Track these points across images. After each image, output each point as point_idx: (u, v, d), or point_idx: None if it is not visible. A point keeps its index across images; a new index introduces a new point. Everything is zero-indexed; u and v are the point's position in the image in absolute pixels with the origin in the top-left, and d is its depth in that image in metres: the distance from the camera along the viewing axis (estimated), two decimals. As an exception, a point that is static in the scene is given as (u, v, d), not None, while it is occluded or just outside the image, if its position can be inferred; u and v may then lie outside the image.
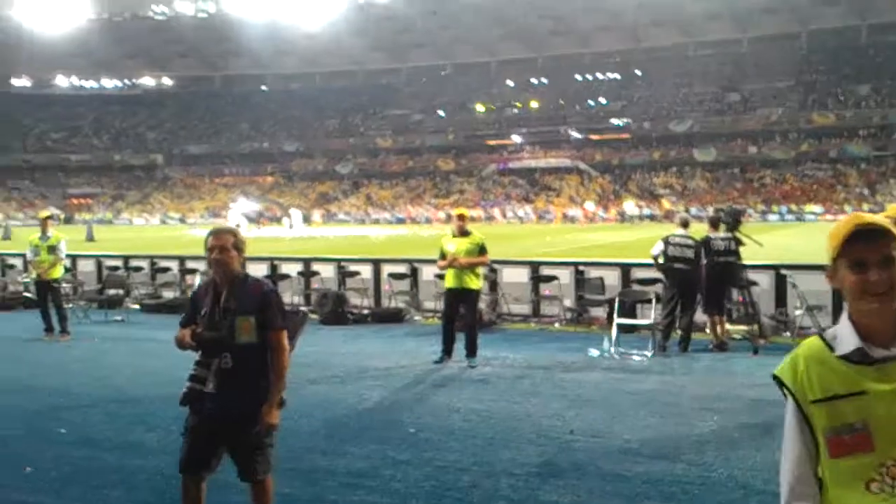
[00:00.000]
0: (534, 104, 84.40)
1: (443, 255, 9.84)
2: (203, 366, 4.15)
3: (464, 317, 9.87)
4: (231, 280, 4.16)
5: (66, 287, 14.12)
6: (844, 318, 2.03)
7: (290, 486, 5.53)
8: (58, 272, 12.37)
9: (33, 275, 12.62)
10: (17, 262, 18.32)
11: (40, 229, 12.46)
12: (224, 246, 4.12)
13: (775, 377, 2.09)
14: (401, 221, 68.42)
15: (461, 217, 10.14)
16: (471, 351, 9.73)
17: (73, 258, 16.80)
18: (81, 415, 7.52)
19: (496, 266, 13.56)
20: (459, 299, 9.81)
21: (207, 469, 4.27)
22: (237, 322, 4.09)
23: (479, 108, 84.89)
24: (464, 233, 9.84)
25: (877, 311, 1.98)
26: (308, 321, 4.53)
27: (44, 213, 13.31)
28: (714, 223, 11.20)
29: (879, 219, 1.99)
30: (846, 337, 2.01)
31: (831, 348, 2.02)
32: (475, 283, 9.86)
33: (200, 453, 4.22)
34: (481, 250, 9.79)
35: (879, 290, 1.95)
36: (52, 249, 12.20)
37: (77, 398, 8.04)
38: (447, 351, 9.82)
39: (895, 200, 58.16)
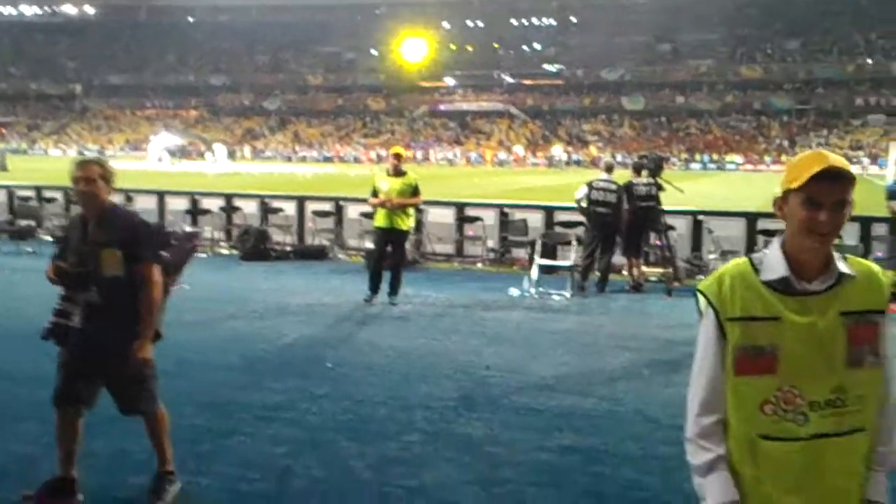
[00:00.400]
0: (468, 48, 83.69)
1: (375, 193, 9.67)
2: (69, 300, 4.02)
3: (391, 256, 9.78)
4: (99, 212, 4.00)
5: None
6: (776, 245, 2.06)
7: (204, 418, 5.48)
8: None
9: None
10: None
11: None
12: (90, 177, 3.95)
13: (699, 291, 2.11)
14: (329, 160, 67.56)
15: (397, 156, 9.85)
16: (393, 289, 9.69)
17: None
18: (-11, 347, 7.28)
19: (422, 206, 13.51)
20: (389, 239, 9.67)
21: (81, 403, 4.16)
22: (102, 255, 3.95)
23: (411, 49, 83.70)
24: (398, 172, 9.64)
25: (815, 249, 2.01)
26: (196, 250, 4.43)
27: None
28: (637, 169, 11.38)
29: (844, 162, 2.00)
30: (774, 264, 2.04)
31: (757, 272, 2.06)
32: (406, 223, 9.74)
33: (73, 387, 4.12)
34: (415, 191, 9.63)
35: (825, 231, 1.98)
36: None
37: (-16, 330, 7.77)
38: (374, 289, 9.69)
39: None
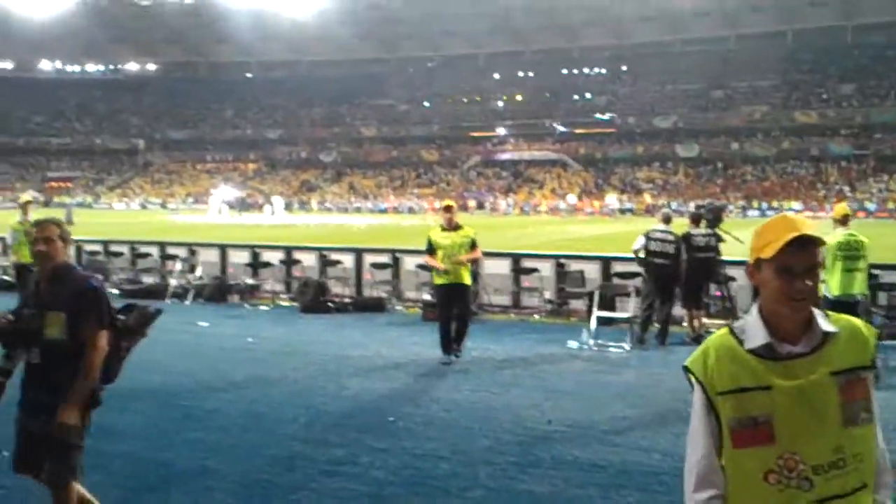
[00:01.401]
0: (519, 97, 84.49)
1: (431, 248, 9.47)
2: (10, 359, 4.00)
3: (456, 311, 9.47)
4: (52, 272, 4.00)
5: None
6: (755, 311, 2.08)
7: (269, 472, 5.58)
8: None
9: (13, 259, 12.53)
10: (-4, 246, 18.17)
11: (21, 213, 12.40)
12: (49, 237, 3.98)
13: (685, 367, 2.14)
14: (383, 211, 68.31)
15: (448, 209, 9.73)
16: (458, 342, 9.49)
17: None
18: (60, 399, 7.49)
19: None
20: (452, 295, 9.43)
21: (37, 470, 4.07)
22: (47, 316, 3.92)
23: (465, 100, 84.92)
24: (453, 226, 9.48)
25: (792, 315, 2.03)
26: (159, 316, 4.39)
27: (24, 198, 13.20)
28: (695, 219, 11.31)
29: (811, 226, 2.03)
30: (755, 331, 2.05)
31: (740, 341, 2.07)
32: (467, 277, 9.55)
33: (23, 453, 4.07)
34: (472, 245, 9.45)
35: (801, 297, 2.00)
36: (31, 234, 12.13)
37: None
38: (448, 350, 9.40)
39: (874, 198, 58.81)
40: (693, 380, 2.12)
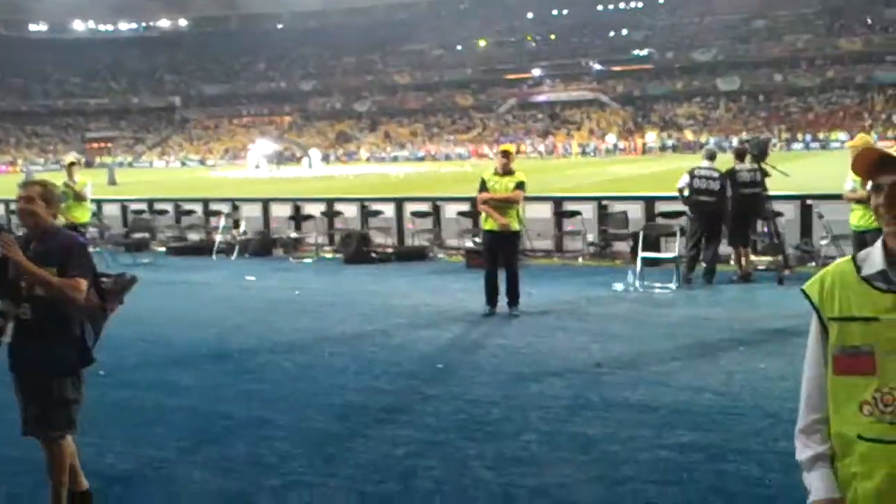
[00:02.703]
0: (553, 36, 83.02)
1: (482, 190, 9.09)
2: (2, 315, 4.02)
3: (504, 261, 9.11)
4: (40, 232, 4.05)
5: (92, 231, 14.27)
6: (879, 241, 2.06)
7: (325, 421, 5.69)
8: (85, 216, 12.54)
9: (61, 220, 12.72)
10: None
11: (66, 175, 12.57)
12: (29, 196, 4.01)
13: (802, 291, 2.14)
14: (420, 159, 68.16)
15: (505, 154, 9.34)
16: (513, 299, 9.10)
17: (98, 202, 16.95)
18: (118, 357, 7.64)
19: (521, 204, 13.52)
20: (500, 242, 9.10)
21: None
22: None
23: (498, 42, 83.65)
24: (507, 171, 9.11)
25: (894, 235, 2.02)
26: (135, 283, 4.43)
27: (69, 159, 13.36)
28: (740, 154, 11.09)
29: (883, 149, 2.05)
30: (874, 258, 2.04)
31: (858, 269, 2.05)
32: (516, 223, 9.18)
33: (24, 413, 4.12)
34: (517, 186, 9.02)
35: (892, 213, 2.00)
36: (79, 195, 12.35)
37: (111, 340, 8.11)
38: (492, 301, 9.12)
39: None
40: (809, 304, 2.12)
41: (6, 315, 4.00)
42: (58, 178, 12.79)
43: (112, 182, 40.18)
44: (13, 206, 18.75)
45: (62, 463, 4.11)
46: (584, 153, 63.91)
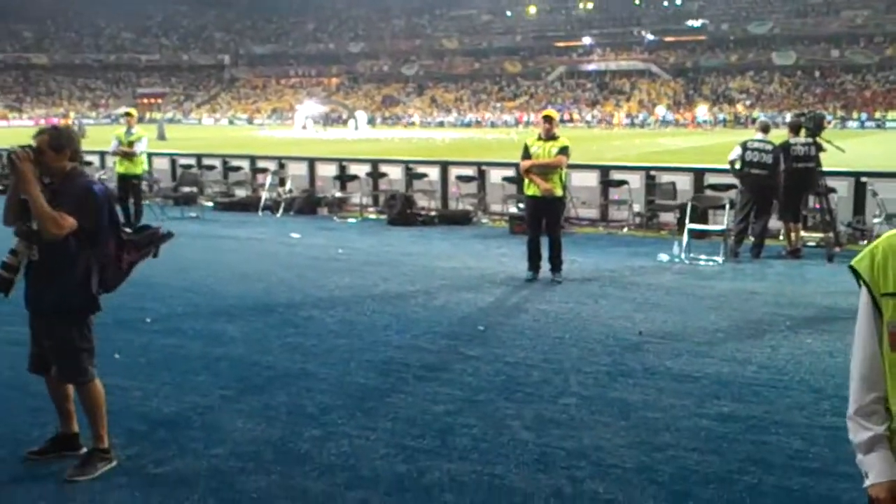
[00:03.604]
0: (606, 5, 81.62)
1: (525, 156, 9.07)
2: (14, 254, 4.08)
3: (547, 227, 9.07)
4: (59, 178, 4.10)
5: (143, 183, 14.47)
6: None
7: (367, 376, 5.74)
8: (140, 168, 12.76)
9: (118, 170, 12.89)
10: (94, 160, 18.82)
11: (125, 125, 12.84)
12: (39, 147, 4.04)
13: (851, 267, 2.06)
14: (466, 125, 67.85)
15: (548, 119, 9.23)
16: (556, 266, 9.03)
17: (149, 156, 17.16)
18: (165, 306, 7.83)
19: (565, 170, 13.42)
20: (543, 207, 9.03)
21: (47, 368, 4.25)
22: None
23: (549, 9, 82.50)
24: (551, 136, 9.06)
25: None
26: (169, 238, 4.44)
27: (129, 110, 13.58)
28: (794, 128, 10.85)
29: None
30: None
31: None
32: (559, 189, 9.08)
33: (36, 351, 4.25)
34: (560, 151, 8.94)
35: None
36: (134, 145, 12.57)
37: (159, 290, 8.33)
38: (535, 267, 9.08)
39: None
40: (859, 280, 2.05)
41: (19, 254, 4.07)
42: (111, 132, 13.07)
43: (162, 137, 40.69)
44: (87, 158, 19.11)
45: (98, 403, 4.23)
46: (632, 124, 63.01)
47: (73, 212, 3.98)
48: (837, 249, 10.39)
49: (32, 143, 4.08)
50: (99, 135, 36.09)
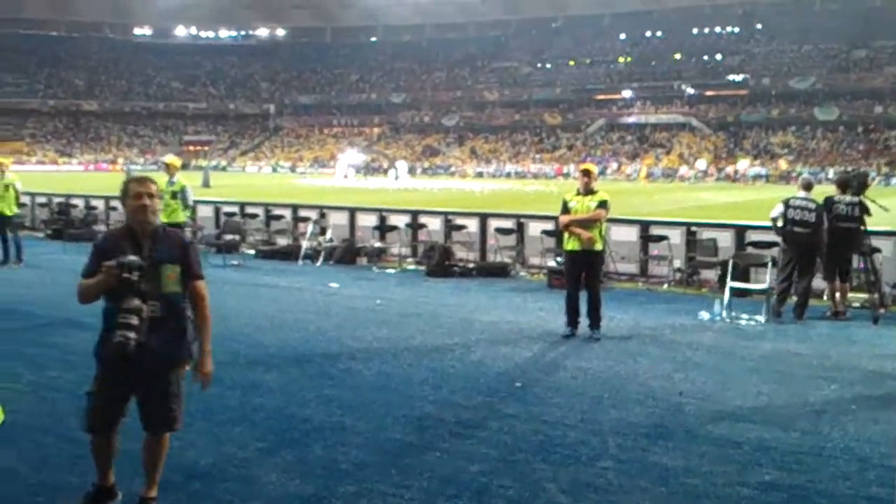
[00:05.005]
0: (647, 58, 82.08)
1: (564, 211, 9.07)
2: (131, 313, 3.92)
3: (586, 282, 9.00)
4: (153, 228, 4.10)
5: (187, 231, 14.72)
6: None
7: (403, 432, 5.72)
8: (181, 216, 12.95)
9: (161, 217, 13.15)
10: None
11: (167, 174, 12.97)
12: (152, 193, 4.04)
13: None
14: (506, 175, 68.11)
15: (586, 173, 9.23)
16: (595, 322, 8.96)
17: (194, 203, 17.48)
18: (204, 353, 7.88)
19: (604, 224, 13.37)
20: (582, 262, 9.00)
21: (117, 424, 4.24)
22: (164, 271, 4.04)
23: (589, 62, 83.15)
24: (589, 191, 9.06)
25: None
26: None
27: (169, 160, 13.73)
28: (842, 184, 10.67)
29: None
30: None
31: None
32: (599, 243, 9.06)
33: (114, 410, 4.17)
34: (600, 205, 8.93)
35: None
36: (176, 195, 12.76)
37: (199, 337, 8.41)
38: (573, 323, 9.00)
39: None
40: None
41: (142, 312, 3.96)
42: (160, 178, 13.32)
43: (206, 184, 41.35)
44: (112, 203, 19.55)
45: (163, 454, 4.34)
46: (669, 177, 62.72)
47: (185, 264, 4.11)
48: (882, 311, 10.18)
49: (143, 189, 4.06)
50: (145, 181, 36.89)
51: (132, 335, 3.89)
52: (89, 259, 4.09)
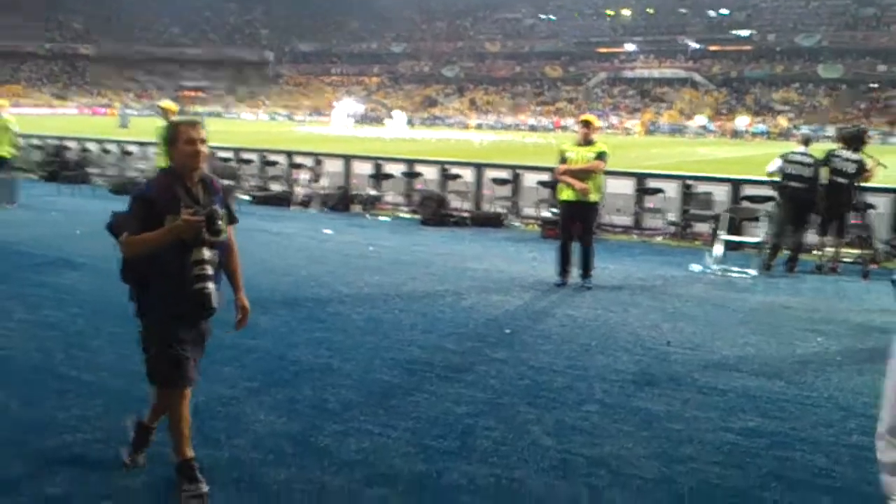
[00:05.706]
0: (651, 11, 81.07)
1: (561, 161, 9.03)
2: (205, 262, 3.75)
3: (580, 232, 8.99)
4: (201, 174, 3.87)
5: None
6: None
7: (388, 374, 5.76)
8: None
9: (156, 164, 13.07)
10: (135, 150, 19.13)
11: (164, 119, 12.85)
12: (204, 138, 3.82)
13: (893, 282, 2.02)
14: (505, 128, 67.74)
15: (586, 124, 9.17)
16: (586, 271, 9.00)
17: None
18: (196, 295, 7.90)
19: (601, 176, 13.31)
20: (577, 213, 8.96)
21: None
22: (220, 217, 3.79)
23: (593, 14, 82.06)
24: (588, 141, 9.01)
25: None
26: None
27: (170, 105, 13.58)
28: (846, 140, 10.59)
29: None
30: None
31: None
32: (595, 194, 8.98)
33: (193, 362, 3.98)
34: (598, 156, 8.88)
35: None
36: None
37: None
38: (564, 272, 9.04)
39: None
40: None
41: (213, 263, 3.82)
42: (152, 123, 13.25)
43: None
44: (107, 146, 19.45)
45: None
46: (670, 132, 62.41)
47: (228, 209, 3.94)
48: (874, 266, 10.21)
49: (197, 135, 3.79)
50: (141, 125, 36.62)
51: (211, 285, 3.77)
52: (132, 210, 3.73)
